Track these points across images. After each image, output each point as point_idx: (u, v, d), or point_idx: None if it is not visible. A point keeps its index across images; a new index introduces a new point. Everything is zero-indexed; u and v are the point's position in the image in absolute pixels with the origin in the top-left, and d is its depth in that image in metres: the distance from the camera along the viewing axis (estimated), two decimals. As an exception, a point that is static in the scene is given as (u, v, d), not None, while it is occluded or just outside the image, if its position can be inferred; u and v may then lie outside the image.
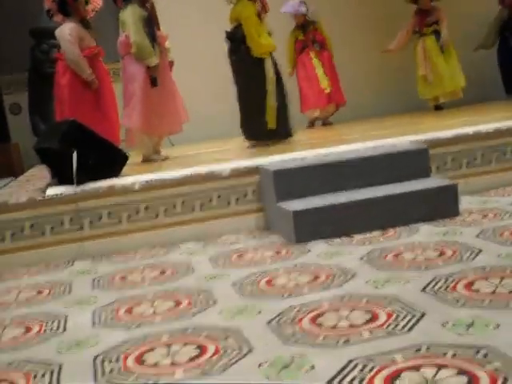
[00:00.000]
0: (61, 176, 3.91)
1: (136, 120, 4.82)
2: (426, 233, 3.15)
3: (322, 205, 3.34)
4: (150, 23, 4.89)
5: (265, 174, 3.66)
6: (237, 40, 5.10)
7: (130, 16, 4.80)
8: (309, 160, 3.79)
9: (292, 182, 3.54)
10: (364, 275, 2.55)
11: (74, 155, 3.70)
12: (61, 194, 3.62)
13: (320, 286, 2.49)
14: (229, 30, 5.20)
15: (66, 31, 4.82)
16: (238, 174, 3.75)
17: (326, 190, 3.56)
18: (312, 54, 7.12)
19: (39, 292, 2.96)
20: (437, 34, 7.52)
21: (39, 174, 4.93)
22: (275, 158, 3.95)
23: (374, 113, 7.20)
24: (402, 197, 3.41)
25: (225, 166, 3.83)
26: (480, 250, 2.68)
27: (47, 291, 2.96)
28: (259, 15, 5.13)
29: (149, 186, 3.66)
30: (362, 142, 4.28)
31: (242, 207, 3.76)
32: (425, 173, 3.72)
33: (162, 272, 3.04)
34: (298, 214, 3.27)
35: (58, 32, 4.91)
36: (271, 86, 5.08)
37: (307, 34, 7.14)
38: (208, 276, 2.86)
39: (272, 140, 5.17)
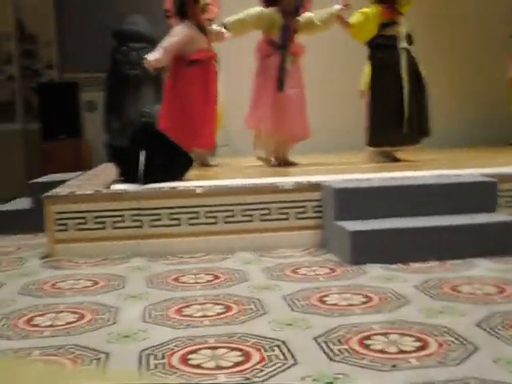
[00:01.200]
0: (127, 174, 4.00)
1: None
2: (485, 268, 3.07)
3: (381, 228, 3.30)
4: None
5: (327, 191, 3.65)
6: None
7: None
8: (372, 182, 3.76)
9: (353, 202, 3.52)
10: (418, 303, 2.51)
11: (142, 155, 3.79)
12: (124, 190, 3.71)
13: (372, 308, 2.46)
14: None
15: (179, 28, 5.07)
16: (300, 188, 3.75)
17: (387, 214, 3.51)
18: None
19: (95, 283, 3.04)
20: None
21: (107, 170, 5.06)
22: (339, 177, 3.94)
23: (462, 142, 7.00)
24: (463, 229, 3.34)
25: (288, 180, 3.84)
26: (541, 292, 2.60)
27: (103, 283, 3.03)
28: None
29: (211, 192, 3.71)
30: (429, 169, 4.22)
31: (301, 222, 3.75)
32: (490, 207, 3.63)
33: (216, 277, 3.07)
34: (355, 235, 3.24)
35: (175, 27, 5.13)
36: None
37: None
38: (260, 286, 2.87)
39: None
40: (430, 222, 3.40)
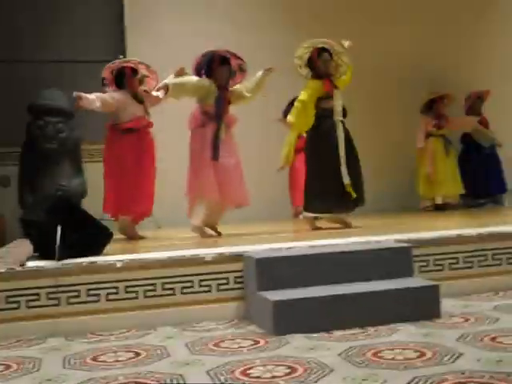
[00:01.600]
0: (43, 250, 3.87)
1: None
2: (406, 333, 3.12)
3: (303, 297, 3.32)
4: None
5: (248, 262, 3.65)
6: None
7: None
8: (293, 251, 3.80)
9: (275, 271, 3.53)
10: (342, 371, 2.50)
11: (58, 229, 3.69)
12: (41, 267, 3.58)
13: (296, 379, 2.44)
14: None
15: (114, 92, 5.34)
16: (222, 259, 3.74)
17: (309, 282, 3.54)
18: None
19: (7, 367, 2.87)
20: (444, 137, 7.90)
21: (21, 246, 4.88)
22: (261, 247, 3.95)
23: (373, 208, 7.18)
24: (383, 295, 3.40)
25: (209, 251, 3.82)
26: (460, 354, 2.65)
27: (15, 367, 2.87)
28: None
29: (131, 266, 3.63)
30: (348, 236, 4.31)
31: (223, 294, 3.72)
32: (408, 272, 3.73)
33: (137, 354, 2.97)
34: (278, 305, 3.24)
35: None
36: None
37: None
38: (183, 362, 2.80)
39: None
40: (351, 289, 3.45)
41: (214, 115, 5.18)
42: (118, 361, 2.88)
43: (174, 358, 2.87)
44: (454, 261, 4.06)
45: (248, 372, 2.57)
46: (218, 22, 7.92)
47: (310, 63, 5.50)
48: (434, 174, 7.71)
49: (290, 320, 3.23)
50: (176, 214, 7.20)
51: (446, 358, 2.60)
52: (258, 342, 3.09)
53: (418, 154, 7.93)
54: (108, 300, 3.58)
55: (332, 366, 2.58)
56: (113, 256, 3.80)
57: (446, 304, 3.64)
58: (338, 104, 5.41)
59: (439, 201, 7.81)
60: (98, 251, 3.92)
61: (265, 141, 7.62)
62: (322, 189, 5.29)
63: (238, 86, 5.41)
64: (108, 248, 4.04)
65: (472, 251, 4.10)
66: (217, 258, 3.73)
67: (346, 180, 5.25)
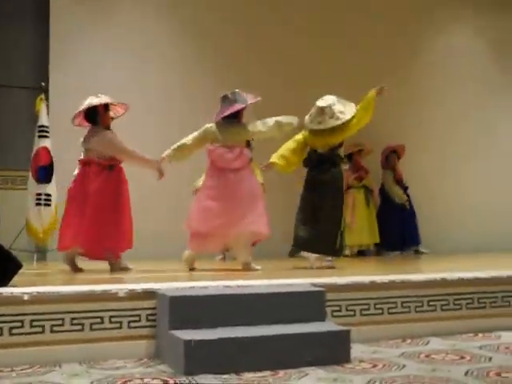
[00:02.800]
0: None
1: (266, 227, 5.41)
2: (316, 377, 3.14)
3: (215, 338, 3.28)
4: None
5: (161, 299, 3.59)
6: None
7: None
8: (208, 290, 3.77)
9: (188, 310, 3.49)
10: (250, 414, 2.48)
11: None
12: None
13: (204, 422, 2.40)
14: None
15: (110, 134, 5.42)
16: (134, 296, 3.66)
17: (222, 323, 3.52)
18: None
19: None
20: (365, 187, 8.21)
21: None
22: (174, 284, 3.90)
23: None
24: (294, 338, 3.42)
25: (121, 287, 3.74)
26: (367, 399, 2.69)
27: None
28: None
29: (39, 299, 3.49)
30: (264, 279, 4.33)
31: (134, 332, 3.63)
32: (320, 316, 3.77)
33: (38, 392, 2.84)
34: (189, 344, 3.19)
35: (99, 136, 5.35)
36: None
37: None
38: (87, 401, 2.70)
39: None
40: (263, 331, 3.44)
41: None
42: (17, 399, 2.74)
43: (77, 397, 2.76)
44: (365, 306, 4.13)
45: (155, 413, 2.50)
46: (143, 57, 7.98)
47: None
48: (353, 223, 7.96)
49: (201, 360, 3.18)
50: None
51: (353, 403, 2.62)
52: (167, 382, 3.03)
53: None
54: (11, 334, 3.41)
55: (241, 409, 2.56)
56: (20, 288, 3.65)
57: (356, 349, 3.70)
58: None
59: (354, 249, 8.07)
60: (4, 282, 3.75)
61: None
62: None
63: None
64: (15, 280, 3.88)
65: (382, 298, 4.20)
66: (129, 294, 3.65)
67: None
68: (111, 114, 5.63)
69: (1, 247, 3.85)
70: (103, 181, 5.24)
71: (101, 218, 5.14)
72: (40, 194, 6.81)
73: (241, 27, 8.43)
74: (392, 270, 5.56)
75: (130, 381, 3.06)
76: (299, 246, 5.81)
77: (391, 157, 8.70)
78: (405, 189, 8.71)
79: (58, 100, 7.43)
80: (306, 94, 8.21)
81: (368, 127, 8.19)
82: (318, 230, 5.67)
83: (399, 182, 8.69)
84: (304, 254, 5.88)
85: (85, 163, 5.37)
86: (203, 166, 5.72)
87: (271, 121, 5.56)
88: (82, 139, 5.49)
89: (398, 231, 8.38)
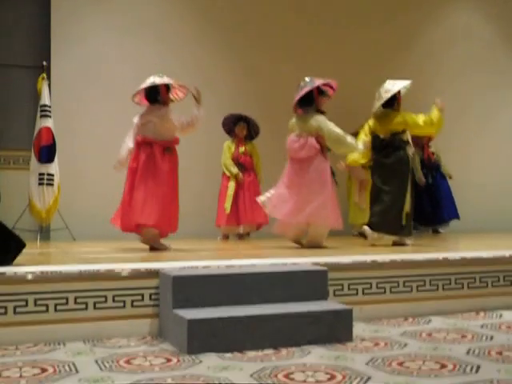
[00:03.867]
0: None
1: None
2: (318, 355, 3.16)
3: (218, 316, 3.30)
4: None
5: (164, 279, 3.61)
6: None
7: (326, 120, 5.62)
8: (210, 270, 3.79)
9: (191, 289, 3.50)
10: (253, 392, 2.51)
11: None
12: None
13: (207, 399, 2.42)
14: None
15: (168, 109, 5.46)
16: (137, 275, 3.68)
17: (225, 302, 3.54)
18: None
19: None
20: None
21: None
22: (177, 264, 3.92)
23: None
24: (297, 317, 3.43)
25: (125, 266, 3.76)
26: (369, 378, 2.71)
27: None
28: None
29: (42, 278, 3.51)
30: (266, 258, 4.35)
31: (137, 310, 3.65)
32: (323, 295, 3.78)
33: (43, 370, 2.86)
34: (192, 323, 3.21)
35: (160, 112, 5.42)
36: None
37: (235, 152, 7.34)
38: (91, 379, 2.72)
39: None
40: (266, 309, 3.46)
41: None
42: (22, 376, 2.77)
43: (82, 375, 2.78)
44: (367, 286, 4.15)
45: (158, 391, 2.53)
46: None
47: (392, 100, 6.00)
48: (362, 202, 7.93)
49: (204, 339, 3.21)
50: (92, 227, 7.11)
51: (355, 382, 2.64)
52: (170, 360, 3.05)
53: (347, 184, 8.18)
54: (16, 313, 3.44)
55: (244, 387, 2.58)
56: (24, 267, 3.67)
57: (358, 328, 3.73)
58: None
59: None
60: (8, 261, 3.78)
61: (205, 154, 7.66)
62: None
63: None
64: (19, 259, 3.91)
65: (384, 277, 4.22)
66: (132, 274, 3.67)
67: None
68: (170, 96, 5.69)
69: (4, 227, 3.87)
70: (169, 161, 5.35)
71: (172, 197, 5.35)
72: (43, 174, 6.82)
73: (241, 6, 8.38)
74: (394, 249, 5.57)
75: (133, 359, 3.08)
76: (367, 225, 6.01)
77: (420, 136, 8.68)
78: (436, 168, 8.70)
79: (60, 80, 7.41)
80: (306, 65, 8.24)
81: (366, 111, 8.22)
82: (382, 212, 5.89)
83: (428, 161, 8.67)
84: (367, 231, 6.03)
85: (147, 143, 5.35)
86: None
87: (337, 133, 5.64)
88: (137, 117, 5.55)
89: (427, 208, 8.44)
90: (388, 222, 5.91)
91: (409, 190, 5.96)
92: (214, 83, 7.93)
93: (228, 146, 7.38)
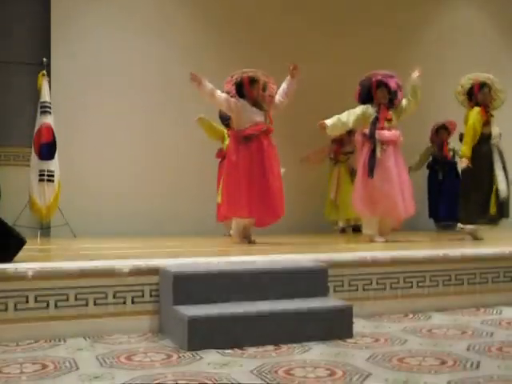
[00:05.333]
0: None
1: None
2: (318, 352, 3.16)
3: (218, 313, 3.30)
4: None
5: (165, 276, 3.61)
6: None
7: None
8: (210, 266, 3.79)
9: (191, 286, 3.50)
10: (253, 388, 2.51)
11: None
12: None
13: (207, 395, 2.42)
14: None
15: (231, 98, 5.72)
16: (137, 272, 3.68)
17: (225, 298, 3.54)
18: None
19: None
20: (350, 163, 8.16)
21: None
22: (178, 261, 3.92)
23: (287, 228, 7.23)
24: (297, 314, 3.43)
25: (125, 263, 3.76)
26: (369, 374, 2.71)
27: None
28: None
29: (43, 275, 3.51)
30: (266, 254, 4.35)
31: (138, 307, 3.66)
32: (323, 292, 3.78)
33: (44, 366, 2.87)
34: (192, 320, 3.21)
35: None
36: None
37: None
38: (92, 375, 2.72)
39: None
40: (266, 306, 3.46)
41: (369, 136, 5.89)
42: (23, 372, 2.77)
43: (82, 371, 2.79)
44: (367, 282, 4.16)
45: (159, 387, 2.53)
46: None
47: (470, 93, 6.27)
48: (337, 199, 7.98)
49: (205, 335, 3.21)
50: (93, 224, 7.13)
51: (355, 378, 2.65)
52: (170, 357, 3.05)
53: (328, 180, 8.21)
54: (16, 309, 3.44)
55: (244, 383, 2.58)
56: (24, 264, 3.67)
57: (358, 324, 3.73)
58: (495, 130, 6.14)
59: (341, 224, 8.09)
60: (8, 258, 3.78)
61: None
62: (479, 203, 6.06)
63: (401, 103, 6.10)
64: (20, 256, 3.91)
65: (385, 273, 4.22)
66: (133, 271, 3.68)
67: (503, 194, 5.96)
68: (267, 92, 5.87)
69: (4, 224, 3.86)
70: (245, 151, 5.58)
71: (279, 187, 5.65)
72: (43, 171, 6.82)
73: (243, 8, 8.37)
74: (392, 246, 5.57)
75: (134, 355, 3.09)
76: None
77: (441, 132, 8.70)
78: (450, 165, 8.71)
79: (60, 76, 7.41)
80: (304, 59, 8.25)
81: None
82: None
83: (443, 157, 8.69)
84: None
85: (231, 135, 5.73)
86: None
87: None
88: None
89: (444, 204, 8.52)
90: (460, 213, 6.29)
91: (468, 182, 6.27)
92: (216, 80, 7.95)
93: (221, 131, 7.34)
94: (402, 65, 8.69)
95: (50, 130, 6.89)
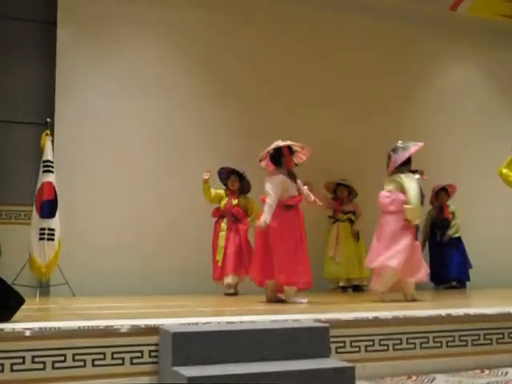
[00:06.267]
0: None
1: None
2: (320, 415, 3.10)
3: (218, 374, 3.24)
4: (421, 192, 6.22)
5: (164, 335, 3.56)
6: None
7: (414, 182, 6.08)
8: (211, 326, 3.74)
9: (191, 346, 3.45)
10: None
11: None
12: None
13: None
14: None
15: (277, 180, 5.86)
16: (137, 331, 3.63)
17: (225, 359, 3.48)
18: (224, 226, 7.29)
19: None
20: (350, 221, 8.20)
21: None
22: (178, 320, 3.88)
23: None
24: (298, 375, 3.37)
25: (124, 322, 3.71)
26: None
27: None
28: None
29: (40, 335, 3.46)
30: (267, 314, 4.30)
31: (137, 368, 3.59)
32: (325, 352, 3.73)
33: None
34: (192, 381, 3.14)
35: (270, 178, 5.91)
36: None
37: (227, 203, 7.33)
38: None
39: None
40: (267, 367, 3.40)
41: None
42: None
43: None
44: (369, 343, 4.09)
45: None
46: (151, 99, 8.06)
47: None
48: (336, 256, 7.99)
49: (204, 397, 3.15)
50: (92, 282, 7.08)
51: None
52: (169, 420, 2.98)
53: (326, 238, 8.23)
54: (13, 370, 3.37)
55: None
56: (22, 324, 3.63)
57: (361, 386, 3.66)
58: None
59: (342, 283, 8.06)
60: (6, 318, 3.74)
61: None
62: None
63: None
64: (18, 315, 3.86)
65: (387, 334, 4.16)
66: (132, 330, 3.63)
67: None
68: (295, 160, 6.11)
69: (3, 283, 3.84)
70: (286, 219, 5.86)
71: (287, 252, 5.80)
72: (44, 229, 6.81)
73: (243, 55, 8.52)
74: (394, 305, 5.51)
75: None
76: None
77: (440, 195, 8.81)
78: (447, 226, 8.79)
79: (63, 135, 7.50)
80: (307, 118, 8.38)
81: (367, 163, 8.30)
82: None
83: (445, 219, 8.78)
84: None
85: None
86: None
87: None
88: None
89: (443, 265, 8.58)
90: None
91: None
92: (217, 137, 8.07)
93: (219, 194, 7.37)
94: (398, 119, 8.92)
95: (51, 187, 6.92)
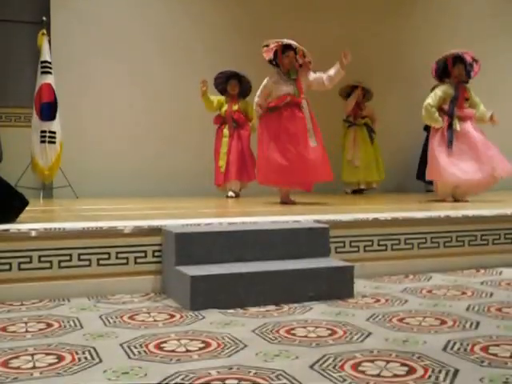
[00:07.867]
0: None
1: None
2: (319, 311, 3.20)
3: (221, 273, 3.33)
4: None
5: (167, 236, 3.63)
6: None
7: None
8: (213, 226, 3.81)
9: (193, 246, 3.53)
10: (255, 347, 2.54)
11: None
12: (-50, 232, 3.44)
13: (210, 354, 2.46)
14: None
15: (264, 81, 5.96)
16: (140, 232, 3.70)
17: (227, 258, 3.57)
18: (226, 132, 7.24)
19: None
20: (367, 126, 8.17)
21: None
22: (180, 221, 3.94)
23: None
24: (298, 273, 3.46)
25: (127, 223, 3.78)
26: (369, 333, 2.74)
27: None
28: None
29: (46, 235, 3.54)
30: (268, 215, 4.36)
31: (140, 267, 3.69)
32: (324, 252, 3.81)
33: (48, 325, 2.91)
34: (195, 280, 3.24)
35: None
36: None
37: (228, 109, 7.25)
38: (96, 334, 2.76)
39: None
40: (268, 266, 3.49)
41: (448, 113, 6.22)
42: (28, 331, 2.81)
43: (86, 330, 2.83)
44: (368, 243, 4.18)
45: (162, 346, 2.57)
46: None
47: None
48: (355, 160, 7.99)
49: (207, 295, 3.24)
50: (94, 185, 7.14)
51: (355, 337, 2.68)
52: (173, 316, 3.09)
53: (342, 141, 8.19)
54: (20, 269, 3.47)
55: (245, 342, 2.61)
56: (27, 224, 3.69)
57: (359, 285, 3.76)
58: None
59: (362, 186, 8.13)
60: (11, 219, 3.80)
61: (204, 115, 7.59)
62: None
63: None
64: (22, 216, 3.92)
65: (386, 234, 4.24)
66: (135, 231, 3.70)
67: None
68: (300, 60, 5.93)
69: (7, 185, 3.87)
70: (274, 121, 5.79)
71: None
72: (44, 132, 6.80)
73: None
74: (395, 207, 5.59)
75: (137, 315, 3.12)
76: None
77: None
78: None
79: (60, 35, 7.32)
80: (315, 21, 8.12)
81: (373, 69, 8.15)
82: None
83: None
84: None
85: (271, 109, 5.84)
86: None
87: None
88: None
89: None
90: None
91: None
92: (218, 41, 7.88)
93: (220, 101, 7.28)
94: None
95: (50, 89, 6.85)
